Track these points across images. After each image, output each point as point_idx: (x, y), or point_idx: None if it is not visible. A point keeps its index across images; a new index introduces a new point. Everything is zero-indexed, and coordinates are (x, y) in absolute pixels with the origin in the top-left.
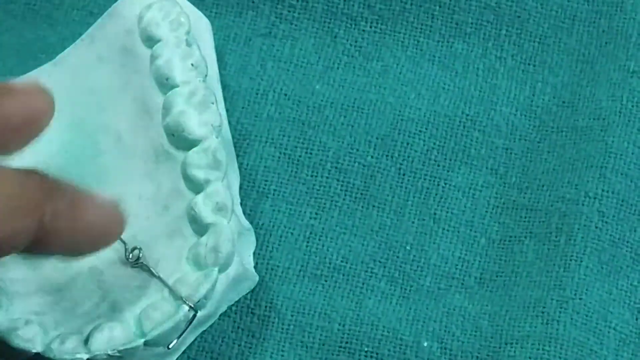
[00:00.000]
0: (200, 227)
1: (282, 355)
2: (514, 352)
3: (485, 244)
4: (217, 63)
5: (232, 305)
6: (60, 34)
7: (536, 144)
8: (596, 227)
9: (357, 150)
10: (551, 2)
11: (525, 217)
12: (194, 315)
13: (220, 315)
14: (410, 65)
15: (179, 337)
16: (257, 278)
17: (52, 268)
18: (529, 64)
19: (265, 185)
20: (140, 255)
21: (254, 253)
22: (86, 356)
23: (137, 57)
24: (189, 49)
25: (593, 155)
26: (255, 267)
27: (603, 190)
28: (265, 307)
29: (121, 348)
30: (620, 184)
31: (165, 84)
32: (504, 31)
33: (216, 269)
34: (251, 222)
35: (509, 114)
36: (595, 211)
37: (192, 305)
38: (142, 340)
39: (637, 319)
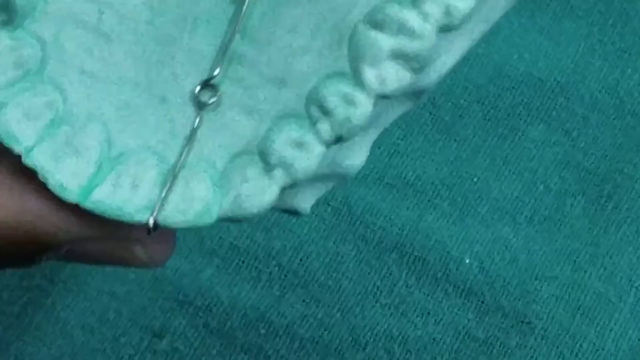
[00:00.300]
0: None
1: (344, 244)
2: (541, 287)
3: (543, 190)
4: None
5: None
6: None
7: (611, 120)
8: None
9: (453, 92)
10: None
11: (583, 178)
12: None
13: None
14: (521, 32)
15: None
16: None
17: None
18: (624, 52)
19: None
20: None
21: None
22: None
23: None
24: None
25: None
26: None
27: None
28: (340, 201)
29: None
30: None
31: None
32: (610, 21)
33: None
34: None
35: (594, 89)
36: None
37: None
38: None
39: None
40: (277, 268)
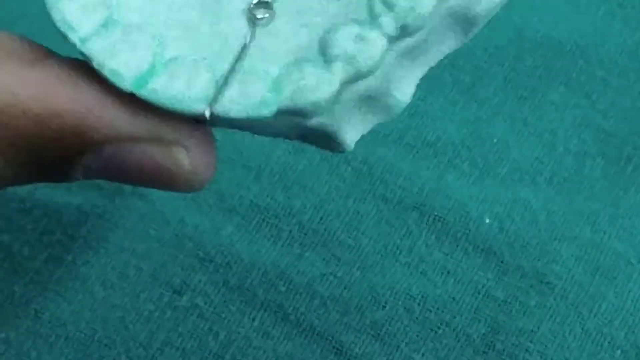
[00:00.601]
0: None
1: (364, 203)
2: (560, 247)
3: (563, 152)
4: None
5: (330, 155)
6: None
7: (631, 83)
8: None
9: (474, 53)
10: None
11: (603, 140)
12: None
13: (322, 168)
14: None
15: None
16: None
17: None
18: None
19: None
20: None
21: None
22: None
23: None
24: None
25: None
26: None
27: None
28: (361, 160)
29: None
30: None
31: None
32: None
33: None
34: None
35: (614, 52)
36: None
37: None
38: None
39: None
40: (297, 226)
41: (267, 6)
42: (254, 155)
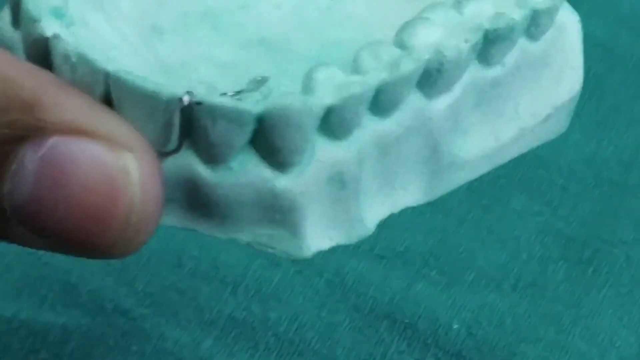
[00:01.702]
0: None
1: (337, 313)
2: (527, 349)
3: (526, 258)
4: None
5: (303, 267)
6: None
7: (590, 189)
8: (621, 267)
9: None
10: (631, 83)
11: (564, 244)
12: None
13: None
14: None
15: None
16: None
17: None
18: (600, 125)
19: None
20: None
21: None
22: None
23: None
24: None
25: (635, 210)
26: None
27: (634, 239)
28: (334, 272)
29: None
30: None
31: None
32: (586, 95)
33: None
34: None
35: (572, 160)
36: (623, 254)
37: None
38: None
39: None
40: (273, 338)
41: None
42: (231, 270)
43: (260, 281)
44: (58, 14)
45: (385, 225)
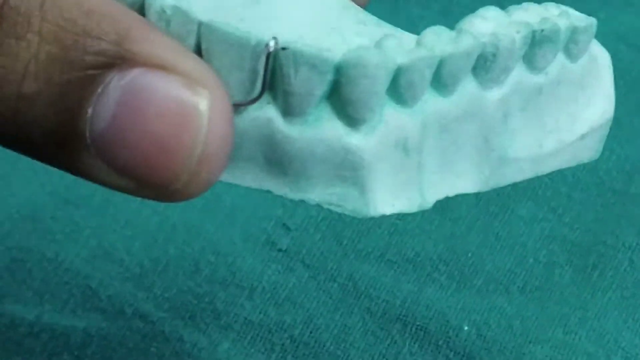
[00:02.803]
0: None
1: (350, 317)
2: (535, 350)
3: (533, 262)
4: None
5: (317, 272)
6: None
7: (593, 197)
8: (624, 271)
9: None
10: (631, 96)
11: (570, 250)
12: None
13: (311, 285)
14: None
15: None
16: None
17: None
18: None
19: None
20: None
21: None
22: None
23: None
24: None
25: (636, 216)
26: (344, 247)
27: (637, 244)
28: (346, 277)
29: None
30: None
31: None
32: None
33: None
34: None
35: (576, 169)
36: (627, 258)
37: None
38: None
39: None
40: (289, 340)
41: None
42: (247, 275)
43: (275, 286)
44: None
45: (395, 231)
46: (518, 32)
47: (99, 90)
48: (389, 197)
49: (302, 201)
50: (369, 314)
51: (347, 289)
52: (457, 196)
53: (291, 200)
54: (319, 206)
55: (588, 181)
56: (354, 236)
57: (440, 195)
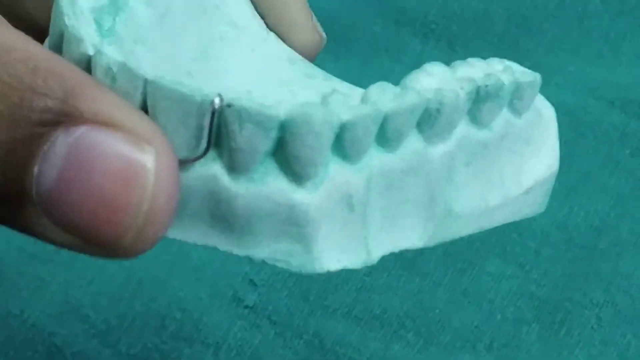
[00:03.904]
0: None
1: None
2: None
3: (500, 319)
4: None
5: (283, 329)
6: None
7: (562, 253)
8: (592, 328)
9: None
10: (600, 150)
11: (537, 307)
12: None
13: (277, 342)
14: None
15: None
16: None
17: None
18: (571, 191)
19: None
20: None
21: None
22: None
23: None
24: None
25: (604, 272)
26: (311, 304)
27: (605, 301)
28: (313, 334)
29: None
30: (621, 298)
31: None
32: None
33: None
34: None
35: (545, 224)
36: (594, 315)
37: None
38: None
39: None
40: None
41: None
42: (212, 332)
43: (241, 343)
44: (101, 34)
45: (362, 287)
46: (462, 88)
47: (46, 147)
48: (335, 252)
49: (248, 257)
50: None
51: (313, 345)
52: (424, 252)
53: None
54: (264, 262)
55: (557, 237)
56: (320, 292)
57: (386, 250)
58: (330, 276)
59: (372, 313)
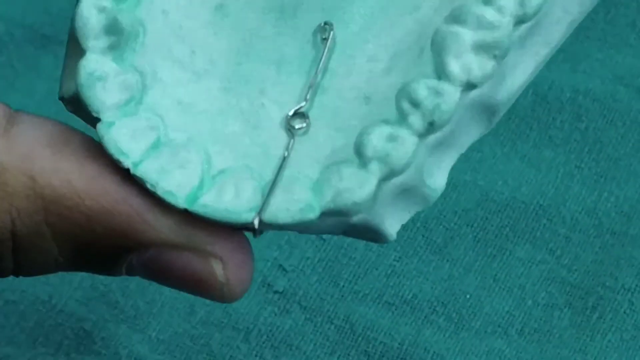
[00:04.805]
0: None
1: (347, 359)
2: None
3: (532, 305)
4: None
5: (314, 314)
6: None
7: (592, 239)
8: (624, 313)
9: (445, 216)
10: (629, 137)
11: (569, 292)
12: None
13: (307, 327)
14: (504, 160)
15: None
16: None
17: None
18: (600, 177)
19: None
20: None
21: None
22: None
23: None
24: None
25: (636, 258)
26: (341, 289)
27: (636, 286)
28: (343, 319)
29: None
30: None
31: None
32: (586, 149)
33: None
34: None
35: (574, 210)
36: (626, 300)
37: None
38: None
39: None
40: None
41: (303, 116)
42: (242, 317)
43: (271, 328)
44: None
45: (393, 272)
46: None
47: (125, 264)
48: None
49: None
50: (366, 356)
51: (344, 331)
52: (454, 238)
53: (287, 242)
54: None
55: (586, 223)
56: (351, 278)
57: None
58: (360, 261)
59: (402, 298)
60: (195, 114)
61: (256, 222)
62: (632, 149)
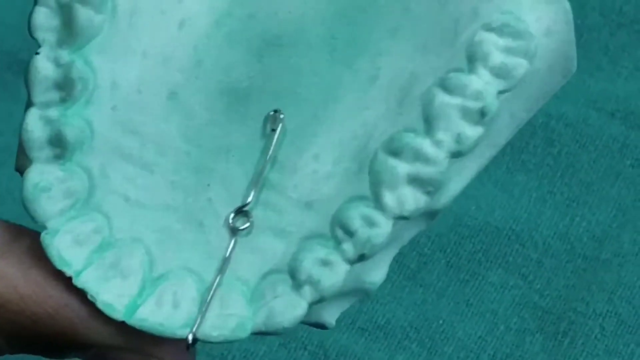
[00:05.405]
0: None
1: None
2: None
3: (504, 330)
4: None
5: (288, 340)
6: None
7: (564, 263)
8: (595, 338)
9: (418, 241)
10: (601, 162)
11: (541, 317)
12: None
13: (281, 353)
14: (477, 184)
15: None
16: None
17: None
18: (573, 201)
19: None
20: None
21: None
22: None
23: None
24: None
25: (607, 282)
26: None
27: (608, 311)
28: (317, 345)
29: None
30: (624, 308)
31: None
32: (558, 174)
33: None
34: None
35: (547, 235)
36: (597, 325)
37: None
38: None
39: None
40: None
41: (247, 215)
42: (217, 344)
43: (246, 354)
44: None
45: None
46: None
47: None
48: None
49: None
50: None
51: (317, 356)
52: (427, 263)
53: None
54: None
55: (558, 247)
56: None
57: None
58: None
59: (376, 323)
60: (142, 211)
61: (190, 338)
62: (604, 173)
